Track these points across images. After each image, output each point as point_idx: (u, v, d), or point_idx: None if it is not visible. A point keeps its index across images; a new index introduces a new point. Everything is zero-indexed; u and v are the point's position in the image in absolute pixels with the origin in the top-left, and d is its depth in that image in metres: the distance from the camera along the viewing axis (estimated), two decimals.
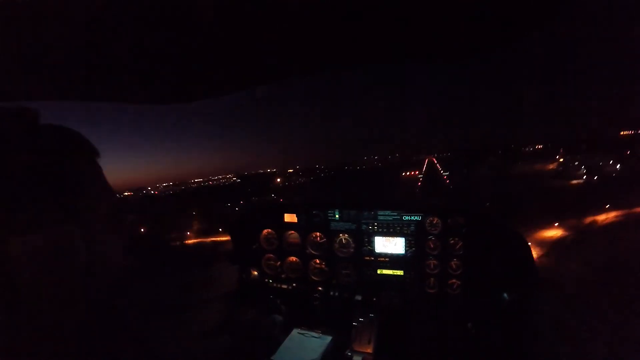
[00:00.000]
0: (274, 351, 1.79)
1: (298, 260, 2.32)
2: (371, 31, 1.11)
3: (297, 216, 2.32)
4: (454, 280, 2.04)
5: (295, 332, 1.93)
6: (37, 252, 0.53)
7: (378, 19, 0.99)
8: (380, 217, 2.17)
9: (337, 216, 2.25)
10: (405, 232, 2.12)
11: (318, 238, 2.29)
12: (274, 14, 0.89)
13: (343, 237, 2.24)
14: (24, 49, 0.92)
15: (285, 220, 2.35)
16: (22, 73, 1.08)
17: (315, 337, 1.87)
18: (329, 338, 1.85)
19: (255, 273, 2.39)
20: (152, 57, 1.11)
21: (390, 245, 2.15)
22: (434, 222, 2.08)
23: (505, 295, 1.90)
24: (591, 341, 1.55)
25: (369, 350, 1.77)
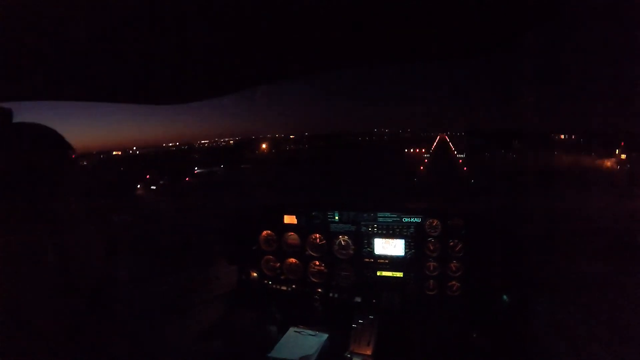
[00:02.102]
0: (271, 349, 1.79)
1: (297, 261, 2.32)
2: (379, 32, 1.09)
3: (296, 218, 2.32)
4: (453, 282, 2.04)
5: (291, 330, 1.93)
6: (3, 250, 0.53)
7: (387, 20, 0.97)
8: (380, 219, 2.16)
9: (336, 218, 2.24)
10: (405, 234, 2.11)
11: (318, 240, 2.29)
12: (280, 15, 0.88)
13: (343, 238, 2.23)
14: (22, 49, 0.91)
15: (285, 221, 2.35)
16: (20, 73, 1.07)
17: (312, 335, 1.88)
18: (325, 336, 1.86)
19: (255, 274, 2.39)
20: (152, 57, 1.10)
21: (390, 247, 2.15)
22: (434, 224, 2.08)
23: (505, 297, 1.89)
24: (591, 342, 1.55)
25: (369, 352, 1.77)
